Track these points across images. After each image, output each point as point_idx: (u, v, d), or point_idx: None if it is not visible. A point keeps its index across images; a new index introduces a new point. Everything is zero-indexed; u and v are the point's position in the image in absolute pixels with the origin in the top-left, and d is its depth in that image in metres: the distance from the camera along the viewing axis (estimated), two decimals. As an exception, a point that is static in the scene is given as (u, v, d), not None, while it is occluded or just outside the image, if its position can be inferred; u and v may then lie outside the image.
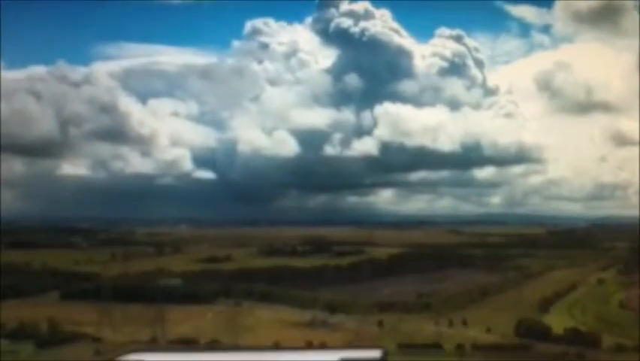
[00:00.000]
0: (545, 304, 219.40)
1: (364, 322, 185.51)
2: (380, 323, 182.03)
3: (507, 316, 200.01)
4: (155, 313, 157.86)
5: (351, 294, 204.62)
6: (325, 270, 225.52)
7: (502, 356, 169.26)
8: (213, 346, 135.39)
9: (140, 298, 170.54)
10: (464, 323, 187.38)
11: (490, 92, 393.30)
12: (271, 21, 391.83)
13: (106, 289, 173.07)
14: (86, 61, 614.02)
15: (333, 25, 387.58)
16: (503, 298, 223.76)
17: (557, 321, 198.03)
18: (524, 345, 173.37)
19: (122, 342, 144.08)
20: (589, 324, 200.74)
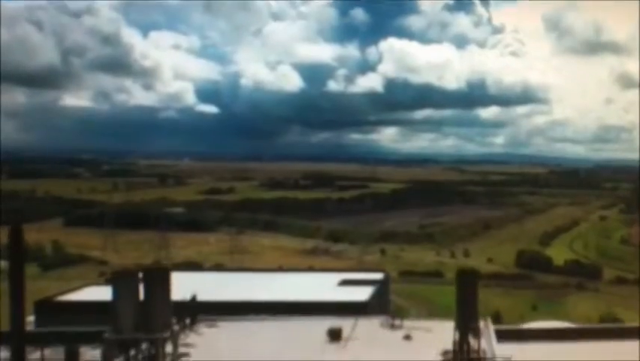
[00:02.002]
0: (547, 239, 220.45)
1: (366, 250, 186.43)
2: (382, 252, 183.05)
3: (508, 248, 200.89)
4: (159, 239, 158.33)
5: (354, 225, 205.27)
6: (328, 202, 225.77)
7: (503, 284, 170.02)
8: (218, 269, 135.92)
9: (143, 225, 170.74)
10: (466, 253, 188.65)
11: (496, 30, 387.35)
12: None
13: (109, 216, 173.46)
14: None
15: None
16: (505, 232, 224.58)
17: (558, 254, 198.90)
18: (525, 275, 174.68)
19: (127, 265, 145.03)
20: (590, 258, 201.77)
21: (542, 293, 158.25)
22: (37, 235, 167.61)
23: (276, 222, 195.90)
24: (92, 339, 46.13)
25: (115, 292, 42.49)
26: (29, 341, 36.51)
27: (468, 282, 46.91)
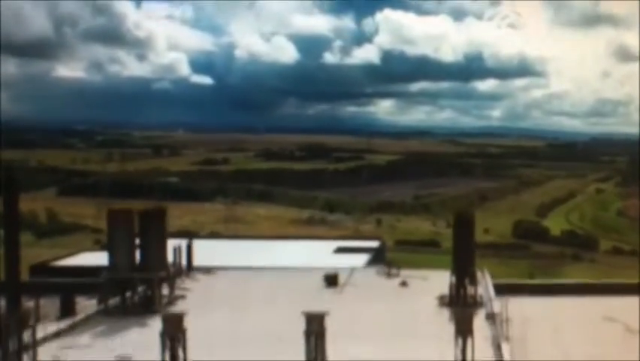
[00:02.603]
0: (543, 210, 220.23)
1: (362, 220, 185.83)
2: (378, 222, 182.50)
3: (505, 219, 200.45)
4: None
5: (350, 195, 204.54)
6: (324, 173, 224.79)
7: (499, 254, 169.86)
8: (214, 237, 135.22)
9: (138, 194, 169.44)
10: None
11: (494, 2, 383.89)
12: None
13: (104, 186, 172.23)
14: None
15: None
16: (502, 204, 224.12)
17: (555, 225, 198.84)
18: (521, 245, 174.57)
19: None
20: (586, 229, 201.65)
21: (539, 263, 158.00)
22: (31, 203, 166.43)
23: (272, 193, 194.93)
24: (87, 290, 45.38)
25: (110, 232, 41.66)
26: (25, 291, 35.59)
27: (465, 225, 46.10)
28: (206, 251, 56.41)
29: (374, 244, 71.18)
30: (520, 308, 43.38)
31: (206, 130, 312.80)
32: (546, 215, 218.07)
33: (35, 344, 31.14)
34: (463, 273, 45.56)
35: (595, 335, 45.94)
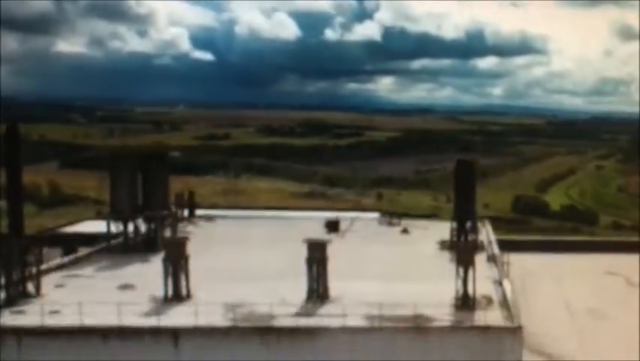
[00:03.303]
0: (543, 185, 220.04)
1: (363, 194, 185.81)
2: (379, 196, 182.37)
3: (505, 194, 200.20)
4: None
5: (350, 170, 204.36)
6: (324, 149, 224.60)
7: (499, 228, 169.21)
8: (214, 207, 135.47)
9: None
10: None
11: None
12: None
13: (104, 159, 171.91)
14: None
15: None
16: (502, 179, 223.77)
17: (555, 200, 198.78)
18: (521, 220, 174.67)
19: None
20: (586, 204, 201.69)
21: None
22: (32, 176, 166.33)
23: (272, 167, 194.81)
24: (89, 241, 45.52)
25: (113, 173, 41.82)
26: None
27: (466, 171, 46.21)
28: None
29: (374, 216, 71.48)
30: (521, 263, 43.69)
31: (207, 106, 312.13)
32: (546, 191, 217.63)
33: (39, 270, 31.53)
34: (464, 218, 45.81)
35: (596, 287, 46.32)
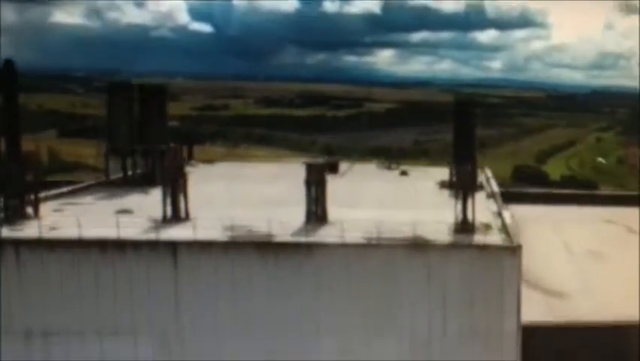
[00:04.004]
0: (543, 157, 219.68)
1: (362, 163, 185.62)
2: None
3: (504, 164, 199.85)
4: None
5: (349, 140, 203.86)
6: (323, 119, 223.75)
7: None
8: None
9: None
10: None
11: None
12: None
13: (103, 128, 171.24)
14: None
15: None
16: (501, 150, 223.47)
17: (554, 170, 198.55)
18: (520, 190, 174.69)
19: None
20: (586, 175, 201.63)
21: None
22: (30, 144, 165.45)
23: (271, 136, 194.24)
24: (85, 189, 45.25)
25: (111, 108, 41.49)
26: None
27: (465, 113, 45.86)
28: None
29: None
30: (520, 212, 43.56)
31: (205, 78, 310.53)
32: (545, 161, 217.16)
33: (37, 194, 31.41)
34: (464, 159, 45.50)
35: (595, 233, 46.35)
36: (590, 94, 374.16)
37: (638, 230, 45.89)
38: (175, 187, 30.84)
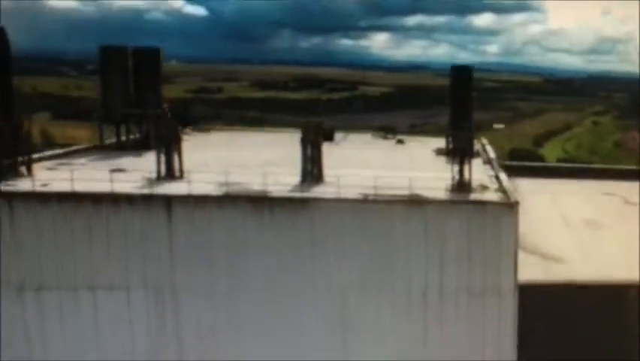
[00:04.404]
0: (539, 140, 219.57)
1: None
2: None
3: (501, 147, 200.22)
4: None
5: (344, 123, 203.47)
6: (318, 102, 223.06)
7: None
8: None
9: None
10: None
11: None
12: None
13: (97, 110, 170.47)
14: None
15: None
16: (497, 133, 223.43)
17: (551, 153, 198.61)
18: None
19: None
20: (583, 158, 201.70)
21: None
22: (25, 125, 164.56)
23: (265, 119, 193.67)
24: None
25: (103, 72, 40.98)
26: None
27: (462, 79, 45.51)
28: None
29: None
30: (517, 185, 43.38)
31: (199, 61, 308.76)
32: (542, 145, 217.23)
33: (31, 153, 31.09)
34: (460, 125, 45.18)
35: (593, 204, 46.23)
36: (587, 79, 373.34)
37: (635, 202, 45.85)
38: (169, 147, 30.53)
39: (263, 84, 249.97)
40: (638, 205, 44.54)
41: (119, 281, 26.28)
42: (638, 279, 31.41)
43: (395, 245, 27.63)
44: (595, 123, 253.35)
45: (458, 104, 44.42)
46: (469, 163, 31.48)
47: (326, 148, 31.84)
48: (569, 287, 31.16)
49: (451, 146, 44.61)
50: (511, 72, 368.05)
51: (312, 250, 27.14)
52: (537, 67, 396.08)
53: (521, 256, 29.87)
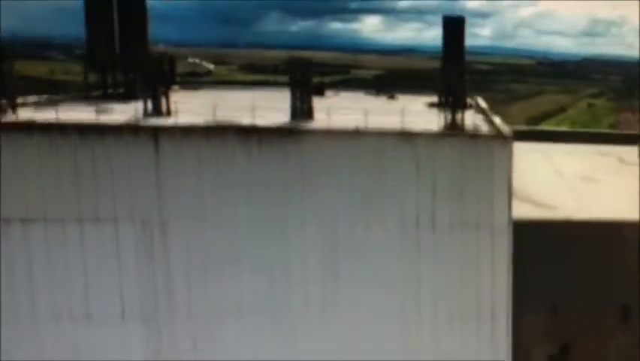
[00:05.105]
0: (534, 121, 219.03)
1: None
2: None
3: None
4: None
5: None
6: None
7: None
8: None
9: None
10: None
11: None
12: None
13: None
14: None
15: None
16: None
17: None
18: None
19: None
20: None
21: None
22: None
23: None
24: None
25: (88, 17, 40.10)
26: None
27: (454, 29, 45.01)
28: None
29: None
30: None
31: (187, 45, 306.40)
32: (537, 126, 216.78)
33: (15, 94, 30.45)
34: (452, 79, 44.73)
35: (588, 163, 46.02)
36: (581, 61, 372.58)
37: (629, 161, 45.81)
38: (156, 86, 29.98)
39: (252, 68, 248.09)
40: (634, 164, 44.45)
41: (106, 213, 25.76)
42: (634, 218, 31.18)
43: (386, 179, 27.21)
44: (590, 105, 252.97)
45: (450, 54, 43.97)
46: (462, 105, 31.09)
47: (316, 101, 31.34)
48: (565, 224, 30.92)
49: (443, 98, 44.36)
50: (504, 55, 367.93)
51: (301, 182, 26.68)
52: (530, 50, 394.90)
53: (515, 204, 29.47)
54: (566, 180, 41.77)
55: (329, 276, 27.23)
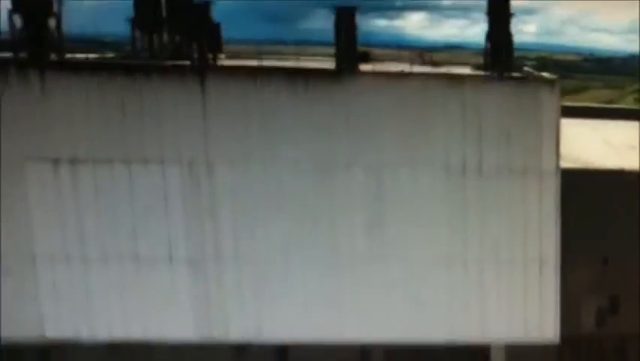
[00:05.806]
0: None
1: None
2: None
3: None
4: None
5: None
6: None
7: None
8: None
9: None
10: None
11: None
12: None
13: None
14: None
15: None
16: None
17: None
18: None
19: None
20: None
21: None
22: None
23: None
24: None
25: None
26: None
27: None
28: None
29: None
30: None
31: (233, 42, 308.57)
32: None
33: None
34: (499, 41, 44.01)
35: (636, 133, 44.89)
36: (628, 58, 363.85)
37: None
38: (201, 38, 30.27)
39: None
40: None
41: (153, 155, 26.02)
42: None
43: (432, 122, 26.94)
44: (636, 100, 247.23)
45: (496, 14, 43.16)
46: (510, 56, 30.71)
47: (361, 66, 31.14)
48: (614, 173, 30.22)
49: (489, 59, 43.73)
50: (550, 52, 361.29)
51: (347, 125, 26.58)
52: (576, 46, 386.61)
53: (563, 163, 28.87)
54: (614, 148, 40.97)
55: (374, 220, 27.06)
